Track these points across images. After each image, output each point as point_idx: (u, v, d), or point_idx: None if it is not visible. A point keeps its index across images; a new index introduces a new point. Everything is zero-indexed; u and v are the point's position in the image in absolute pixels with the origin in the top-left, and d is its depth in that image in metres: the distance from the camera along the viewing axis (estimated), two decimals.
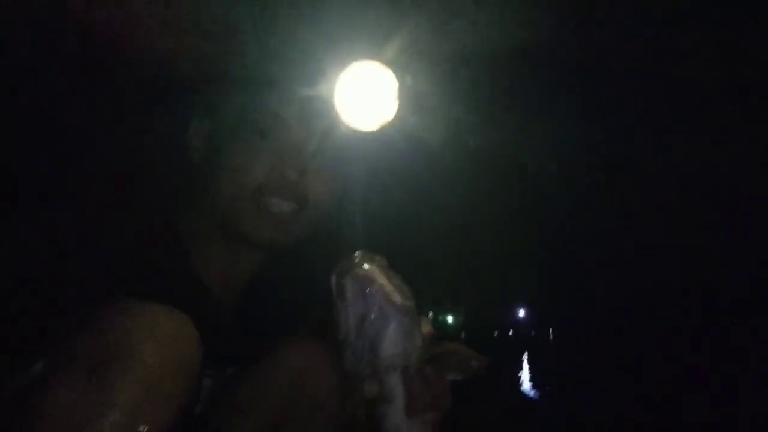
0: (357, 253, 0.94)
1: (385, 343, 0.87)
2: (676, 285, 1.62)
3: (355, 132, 1.07)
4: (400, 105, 1.08)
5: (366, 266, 0.92)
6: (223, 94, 1.08)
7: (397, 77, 1.07)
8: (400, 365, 0.89)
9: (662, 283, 1.62)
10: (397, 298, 0.89)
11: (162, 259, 1.02)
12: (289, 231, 1.07)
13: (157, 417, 0.70)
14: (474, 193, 1.39)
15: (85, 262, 0.95)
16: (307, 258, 1.20)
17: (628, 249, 1.67)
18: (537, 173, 1.42)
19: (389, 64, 1.06)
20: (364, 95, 1.06)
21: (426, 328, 0.94)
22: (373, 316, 0.89)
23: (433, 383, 0.90)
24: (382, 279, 0.90)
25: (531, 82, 1.18)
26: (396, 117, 1.08)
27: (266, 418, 1.01)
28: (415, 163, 1.21)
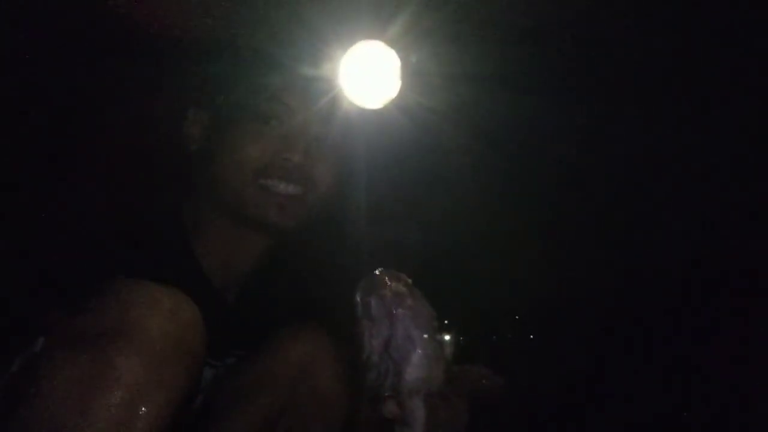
0: (379, 270, 0.93)
1: (410, 367, 0.87)
2: (678, 283, 1.62)
3: (359, 111, 1.08)
4: (403, 83, 1.08)
5: (392, 286, 0.91)
6: (224, 80, 1.08)
7: (401, 56, 1.07)
8: (424, 389, 0.88)
9: (665, 283, 1.62)
10: (423, 321, 0.89)
11: (163, 246, 1.03)
12: (293, 213, 1.06)
13: (158, 392, 0.71)
14: (478, 172, 1.39)
15: (87, 245, 0.95)
16: (310, 245, 1.20)
17: (637, 254, 1.66)
18: (544, 155, 1.42)
19: (393, 43, 1.06)
20: (368, 74, 1.06)
21: (447, 350, 0.94)
22: (398, 340, 0.88)
23: (453, 405, 0.90)
24: (409, 301, 0.90)
25: (538, 62, 1.17)
26: (399, 95, 1.08)
27: (269, 406, 1.02)
28: (418, 142, 1.22)
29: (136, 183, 1.20)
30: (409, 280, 0.93)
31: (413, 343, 0.88)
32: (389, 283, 0.91)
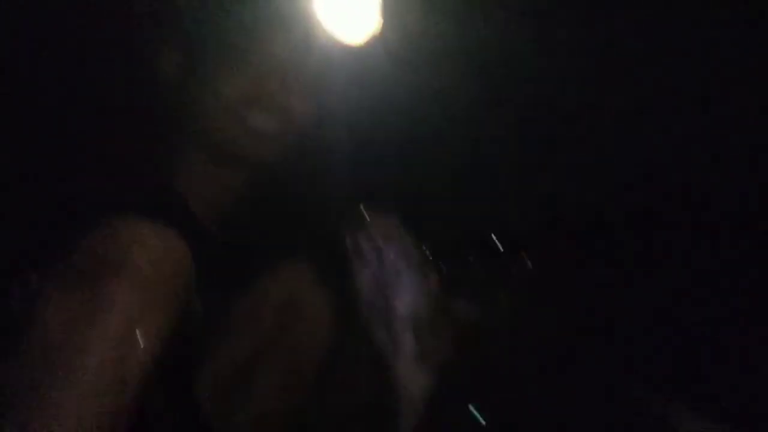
0: (366, 207, 0.98)
1: (399, 301, 0.94)
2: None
3: (337, 45, 1.06)
4: (384, 19, 1.05)
5: (379, 224, 0.96)
6: (198, 14, 1.05)
7: None
8: (413, 319, 0.95)
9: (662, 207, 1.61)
10: (410, 256, 0.96)
11: (147, 182, 1.03)
12: (271, 146, 1.06)
13: (151, 325, 0.74)
14: (461, 109, 1.37)
15: (73, 183, 0.96)
16: (292, 181, 1.21)
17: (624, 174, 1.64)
18: (532, 90, 1.39)
19: None
20: (346, 4, 1.04)
21: (435, 280, 0.99)
22: (387, 274, 0.95)
23: (440, 336, 0.97)
24: (396, 237, 0.96)
25: None
26: (380, 32, 1.06)
27: (259, 339, 1.05)
28: (399, 81, 1.20)
29: (118, 122, 1.19)
30: (396, 219, 0.96)
31: (401, 278, 0.94)
32: (376, 220, 0.96)
